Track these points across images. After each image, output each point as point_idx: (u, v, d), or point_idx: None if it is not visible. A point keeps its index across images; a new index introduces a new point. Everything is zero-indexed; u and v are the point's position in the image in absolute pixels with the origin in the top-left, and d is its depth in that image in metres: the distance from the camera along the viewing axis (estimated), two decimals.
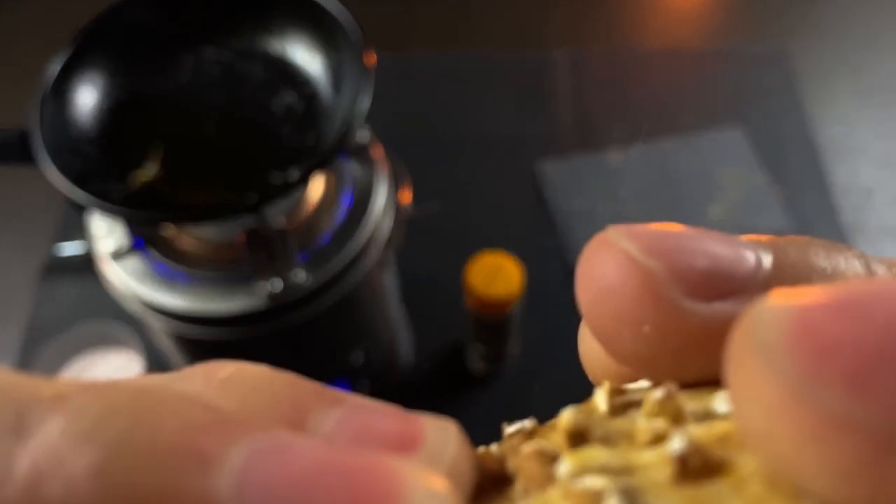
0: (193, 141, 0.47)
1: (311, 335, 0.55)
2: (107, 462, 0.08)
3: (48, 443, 0.08)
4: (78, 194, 0.43)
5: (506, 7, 0.98)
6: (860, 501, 0.07)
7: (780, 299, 0.08)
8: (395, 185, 0.55)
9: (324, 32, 0.49)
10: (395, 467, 0.08)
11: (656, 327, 0.10)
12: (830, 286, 0.08)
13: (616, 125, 0.86)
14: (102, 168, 0.45)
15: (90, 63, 0.49)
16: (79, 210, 0.45)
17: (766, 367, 0.08)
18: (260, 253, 0.48)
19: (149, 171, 0.45)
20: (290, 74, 0.48)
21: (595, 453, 0.10)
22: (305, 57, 0.49)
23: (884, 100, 0.88)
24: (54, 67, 0.48)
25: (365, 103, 0.45)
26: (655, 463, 0.09)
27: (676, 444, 0.09)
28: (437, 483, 0.08)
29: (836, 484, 0.07)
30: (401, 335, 0.70)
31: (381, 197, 0.53)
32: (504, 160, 0.84)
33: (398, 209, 0.55)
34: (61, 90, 0.48)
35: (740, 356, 0.08)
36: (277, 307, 0.49)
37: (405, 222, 0.57)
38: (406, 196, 0.57)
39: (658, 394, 0.10)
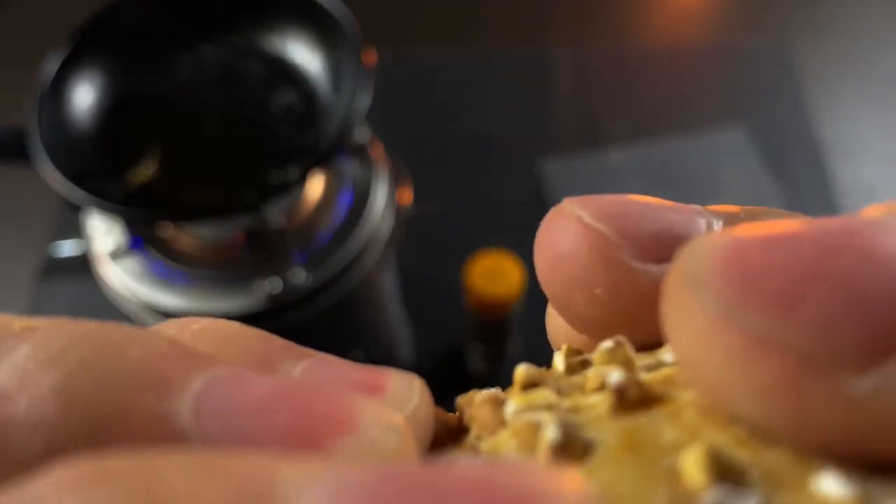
0: (192, 140, 0.47)
1: (311, 335, 0.55)
2: (70, 382, 0.08)
3: (15, 366, 0.08)
4: (76, 193, 0.42)
5: (506, 5, 0.98)
6: (784, 420, 0.07)
7: (713, 234, 0.08)
8: (395, 185, 0.55)
9: (323, 31, 0.48)
10: (353, 400, 0.09)
11: (608, 289, 0.10)
12: (763, 223, 0.08)
13: (617, 124, 0.86)
14: (100, 167, 0.45)
15: (88, 61, 0.49)
16: (75, 209, 0.45)
17: (695, 295, 0.08)
18: (259, 253, 0.48)
19: (147, 171, 0.45)
20: (289, 73, 0.48)
21: (542, 394, 0.10)
22: (305, 56, 0.48)
23: (887, 97, 0.88)
24: (52, 66, 0.48)
25: (364, 102, 0.45)
26: (599, 403, 0.09)
27: (615, 376, 0.09)
28: (395, 418, 0.09)
29: (762, 405, 0.07)
30: (401, 335, 0.69)
31: (380, 197, 0.53)
32: (504, 160, 0.84)
33: (398, 209, 0.55)
34: (59, 88, 0.47)
35: (673, 288, 0.08)
36: (276, 307, 0.49)
37: (405, 222, 0.57)
38: (406, 196, 0.57)
39: (608, 343, 0.10)
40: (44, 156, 0.44)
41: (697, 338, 0.08)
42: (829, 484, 0.07)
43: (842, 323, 0.07)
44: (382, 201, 0.53)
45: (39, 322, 0.09)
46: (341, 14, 0.48)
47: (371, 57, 0.47)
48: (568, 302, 0.11)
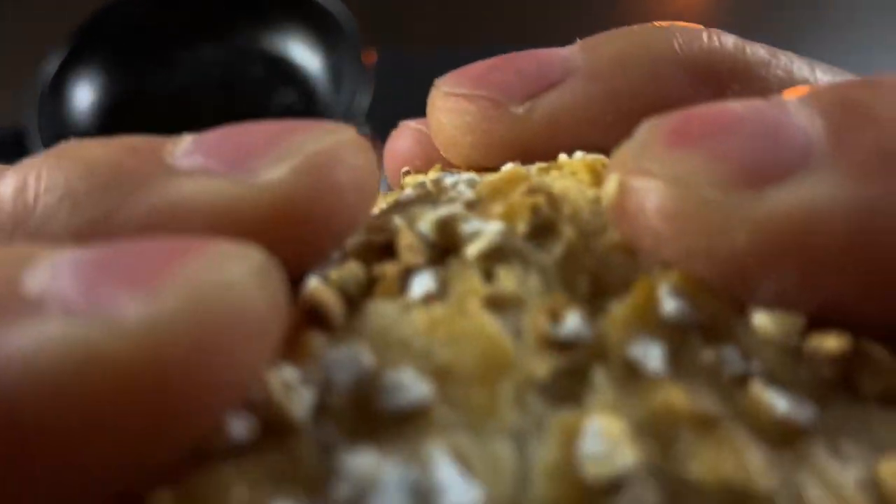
0: None
1: None
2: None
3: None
4: None
5: (507, 5, 0.98)
6: (479, 148, 0.13)
7: None
8: None
9: (323, 30, 0.49)
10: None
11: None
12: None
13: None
14: None
15: (88, 61, 0.49)
16: None
17: (439, 94, 0.14)
18: None
19: None
20: (288, 73, 0.48)
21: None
22: (304, 55, 0.48)
23: None
24: (52, 65, 0.48)
25: (364, 101, 0.45)
26: None
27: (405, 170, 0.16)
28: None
29: (467, 139, 0.14)
30: None
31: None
32: None
33: None
34: (59, 88, 0.47)
35: (432, 96, 0.14)
36: None
37: None
38: None
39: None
40: None
41: (434, 111, 0.14)
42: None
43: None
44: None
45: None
46: (341, 14, 0.48)
47: (371, 57, 0.47)
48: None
